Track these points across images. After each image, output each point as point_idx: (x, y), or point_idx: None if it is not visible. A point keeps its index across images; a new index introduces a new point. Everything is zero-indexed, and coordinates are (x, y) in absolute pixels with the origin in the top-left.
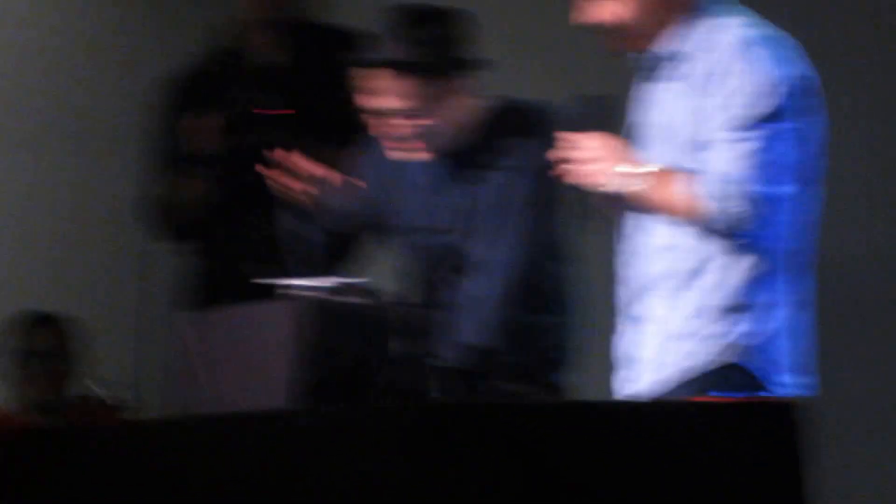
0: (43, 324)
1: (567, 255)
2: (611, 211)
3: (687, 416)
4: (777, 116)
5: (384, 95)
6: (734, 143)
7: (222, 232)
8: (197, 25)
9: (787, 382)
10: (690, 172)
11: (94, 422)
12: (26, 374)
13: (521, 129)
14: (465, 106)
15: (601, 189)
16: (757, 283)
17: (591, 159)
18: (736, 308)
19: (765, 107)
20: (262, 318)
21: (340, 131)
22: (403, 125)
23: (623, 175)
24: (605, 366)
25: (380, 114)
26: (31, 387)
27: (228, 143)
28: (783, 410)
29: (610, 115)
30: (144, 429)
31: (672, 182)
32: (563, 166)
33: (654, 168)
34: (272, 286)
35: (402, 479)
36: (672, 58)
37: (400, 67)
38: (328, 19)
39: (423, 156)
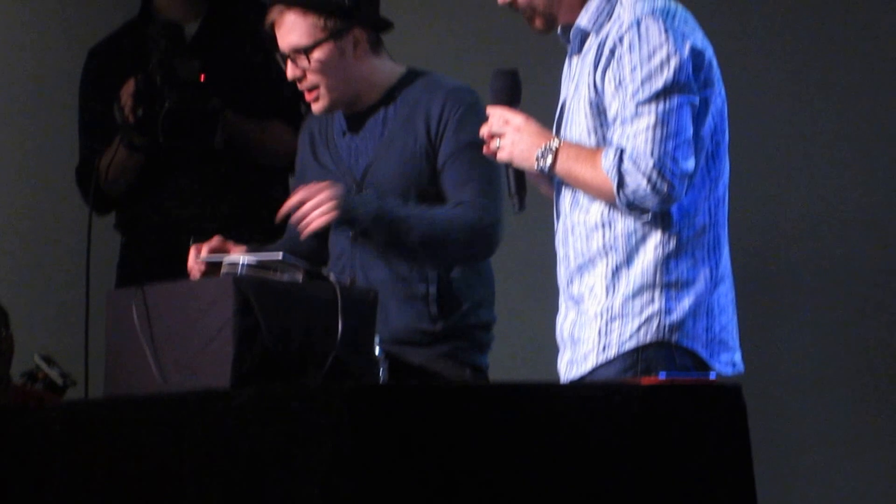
0: None
1: (493, 234)
2: (544, 186)
3: (635, 398)
4: (673, 90)
5: (287, 34)
6: (635, 118)
7: (149, 201)
8: None
9: (722, 359)
10: (596, 148)
11: (36, 402)
12: None
13: (434, 101)
14: (370, 63)
15: (514, 164)
16: (673, 260)
17: (501, 134)
18: (665, 285)
19: (661, 81)
20: (204, 295)
21: (262, 98)
22: (306, 68)
23: (530, 151)
24: (543, 346)
25: (284, 57)
26: None
27: (147, 109)
28: (730, 392)
29: (519, 90)
30: (86, 409)
31: (577, 158)
32: (488, 141)
33: (558, 144)
34: (212, 261)
35: (337, 461)
36: (578, 33)
37: (299, 2)
38: None
39: (323, 105)
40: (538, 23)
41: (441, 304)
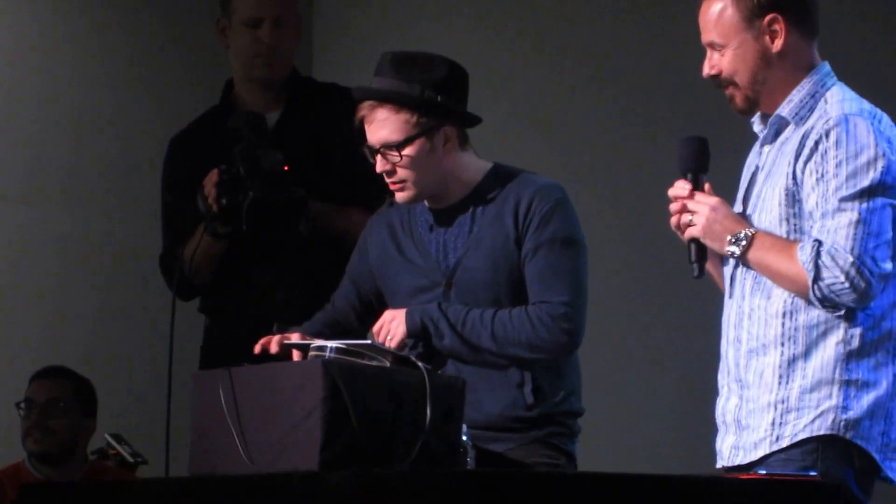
0: (47, 375)
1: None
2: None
3: (738, 492)
4: (877, 191)
5: (378, 129)
6: (836, 213)
7: (232, 289)
8: (192, 85)
9: (894, 467)
10: (791, 240)
11: (106, 478)
12: (27, 425)
13: (523, 198)
14: (458, 159)
15: (703, 241)
16: (855, 359)
17: (695, 211)
18: (845, 382)
19: (867, 180)
20: (292, 378)
21: (344, 186)
22: (396, 163)
23: (724, 233)
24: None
25: (374, 151)
26: (30, 438)
27: (231, 199)
28: (834, 490)
29: (707, 157)
30: (175, 486)
31: (772, 248)
32: (674, 214)
33: (752, 232)
34: (302, 346)
35: None
36: (778, 123)
37: (392, 99)
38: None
39: (409, 196)
40: (738, 101)
41: (536, 392)
